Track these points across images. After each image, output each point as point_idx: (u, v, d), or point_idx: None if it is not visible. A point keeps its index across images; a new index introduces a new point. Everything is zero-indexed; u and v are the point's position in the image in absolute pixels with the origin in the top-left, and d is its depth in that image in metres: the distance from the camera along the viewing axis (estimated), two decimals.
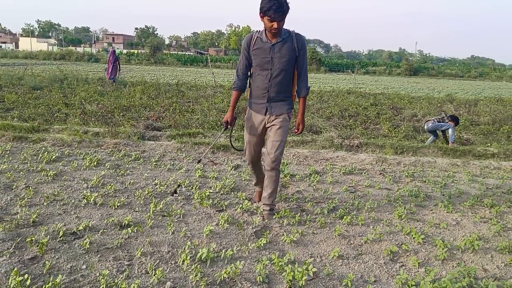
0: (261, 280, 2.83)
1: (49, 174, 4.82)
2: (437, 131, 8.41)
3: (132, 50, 68.85)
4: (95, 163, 5.42)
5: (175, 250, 3.23)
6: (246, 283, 2.82)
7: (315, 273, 2.96)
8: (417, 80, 38.83)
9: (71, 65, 35.26)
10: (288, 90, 3.80)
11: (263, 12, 3.45)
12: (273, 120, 3.78)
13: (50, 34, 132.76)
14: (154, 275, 2.80)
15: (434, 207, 4.54)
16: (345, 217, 3.99)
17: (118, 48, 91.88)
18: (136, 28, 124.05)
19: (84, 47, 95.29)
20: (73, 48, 75.98)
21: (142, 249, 3.18)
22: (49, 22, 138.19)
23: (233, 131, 4.13)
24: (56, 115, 9.21)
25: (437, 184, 5.34)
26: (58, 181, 4.71)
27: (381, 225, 3.95)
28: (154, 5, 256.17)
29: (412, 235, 3.69)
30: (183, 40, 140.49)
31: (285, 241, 3.48)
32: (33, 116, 8.83)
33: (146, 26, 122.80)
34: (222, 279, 2.81)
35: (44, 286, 2.61)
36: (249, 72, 3.89)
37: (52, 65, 34.55)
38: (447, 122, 8.19)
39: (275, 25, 3.46)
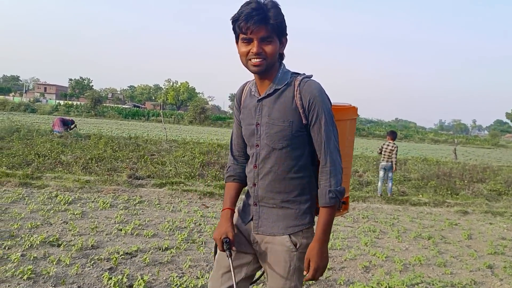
0: None
1: (75, 213, 5.72)
2: (382, 174, 9.70)
3: (67, 101, 67.95)
4: (108, 205, 6.35)
5: (211, 264, 4.32)
6: None
7: None
8: None
9: (8, 115, 34.61)
10: (295, 188, 1.95)
11: (234, 28, 1.88)
12: (261, 245, 2.01)
13: None
14: (206, 278, 3.89)
15: (388, 239, 5.96)
16: None
17: (50, 99, 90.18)
18: (71, 79, 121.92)
19: (14, 96, 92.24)
20: (5, 97, 73.72)
21: (187, 263, 4.25)
22: None
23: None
24: (35, 164, 9.86)
25: (387, 224, 6.80)
26: (86, 218, 5.62)
27: (353, 249, 5.26)
28: (89, 56, 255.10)
29: (377, 256, 5.04)
30: (119, 93, 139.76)
31: None
32: (13, 165, 9.42)
33: (81, 77, 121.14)
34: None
35: (134, 283, 3.62)
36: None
37: None
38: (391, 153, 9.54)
39: (253, 47, 1.82)
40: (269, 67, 1.88)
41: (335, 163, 1.87)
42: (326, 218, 1.87)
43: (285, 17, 1.88)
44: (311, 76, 1.95)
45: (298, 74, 1.95)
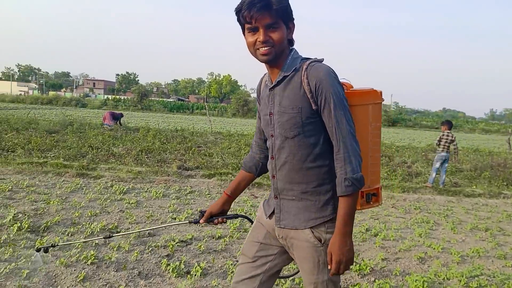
0: None
1: (130, 202, 5.91)
2: (438, 165, 9.41)
3: (114, 96, 70.19)
4: (161, 195, 6.52)
5: None
6: None
7: (371, 268, 4.12)
8: (396, 131, 41.03)
9: (61, 110, 36.03)
10: (314, 178, 1.89)
11: (238, 19, 1.84)
12: (287, 240, 1.97)
13: (30, 78, 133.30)
14: None
15: (443, 230, 5.80)
16: (379, 234, 5.19)
17: (99, 94, 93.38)
18: (117, 74, 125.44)
19: (65, 92, 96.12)
20: (57, 92, 76.95)
21: (239, 252, 4.29)
22: (29, 66, 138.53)
23: None
24: (90, 156, 10.25)
25: (441, 215, 6.62)
26: (141, 207, 5.79)
27: (407, 240, 5.16)
28: (135, 51, 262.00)
29: (432, 247, 4.92)
30: (163, 87, 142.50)
31: None
32: (69, 156, 9.82)
33: (127, 72, 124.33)
34: None
35: (192, 269, 3.71)
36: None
37: (41, 109, 35.24)
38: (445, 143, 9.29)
39: (260, 36, 1.78)
40: (278, 54, 1.82)
41: (349, 148, 1.75)
42: (345, 209, 1.76)
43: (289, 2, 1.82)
44: (322, 60, 1.86)
45: (308, 59, 1.87)
